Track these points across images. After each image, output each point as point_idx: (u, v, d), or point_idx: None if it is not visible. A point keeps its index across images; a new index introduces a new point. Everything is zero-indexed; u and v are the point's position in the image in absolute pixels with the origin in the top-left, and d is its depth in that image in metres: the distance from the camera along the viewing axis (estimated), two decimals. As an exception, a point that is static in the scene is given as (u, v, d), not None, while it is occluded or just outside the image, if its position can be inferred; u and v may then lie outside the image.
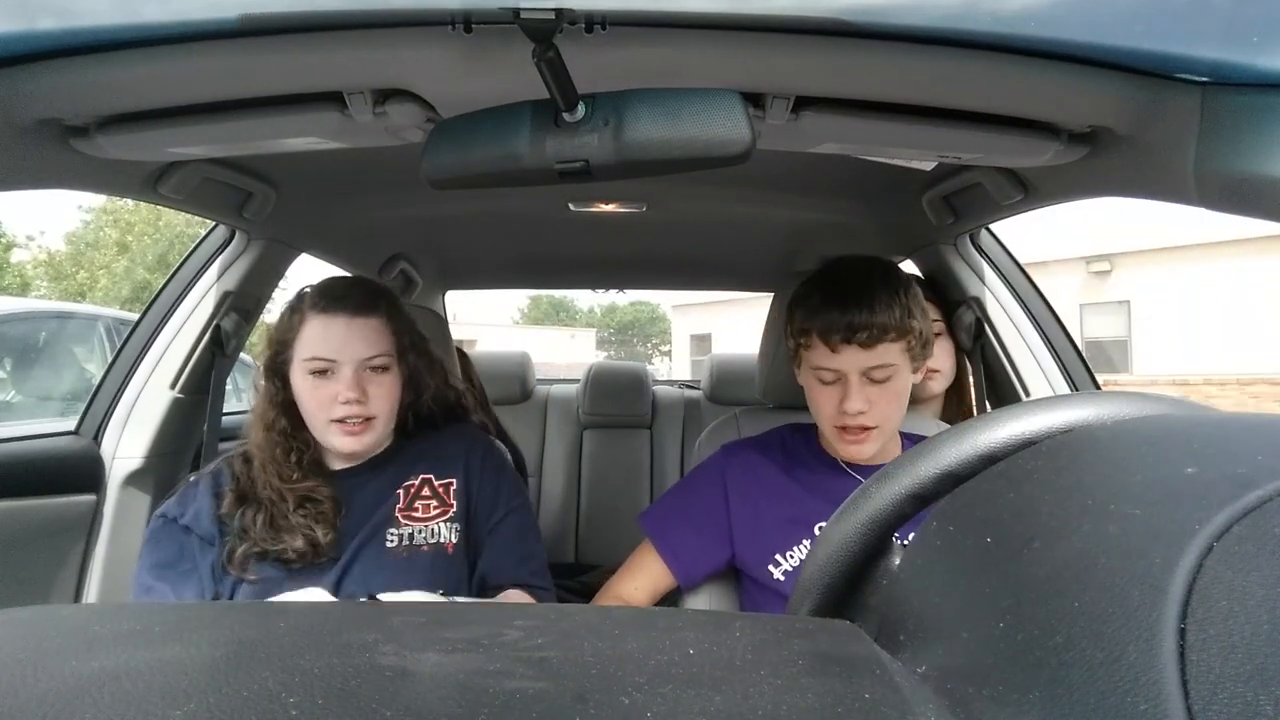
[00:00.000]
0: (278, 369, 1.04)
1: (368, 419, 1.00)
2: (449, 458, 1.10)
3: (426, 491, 1.07)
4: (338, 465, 1.07)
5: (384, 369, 1.03)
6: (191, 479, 1.08)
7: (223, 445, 1.50)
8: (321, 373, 1.00)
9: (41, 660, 0.27)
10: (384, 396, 1.02)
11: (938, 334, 1.37)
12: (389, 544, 1.02)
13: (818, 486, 1.07)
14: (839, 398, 1.00)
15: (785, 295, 1.12)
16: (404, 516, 1.04)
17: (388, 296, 1.07)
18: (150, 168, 1.01)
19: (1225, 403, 10.17)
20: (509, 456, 1.21)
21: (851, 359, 0.98)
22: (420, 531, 1.04)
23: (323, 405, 1.00)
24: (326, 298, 1.02)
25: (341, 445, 1.01)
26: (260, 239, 1.42)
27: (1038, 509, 0.28)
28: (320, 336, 1.00)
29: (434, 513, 1.06)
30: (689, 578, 1.10)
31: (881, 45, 0.65)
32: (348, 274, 1.13)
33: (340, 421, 0.99)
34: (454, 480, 1.09)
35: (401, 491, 1.06)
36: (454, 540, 1.05)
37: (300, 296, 1.05)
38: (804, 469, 1.09)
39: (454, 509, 1.07)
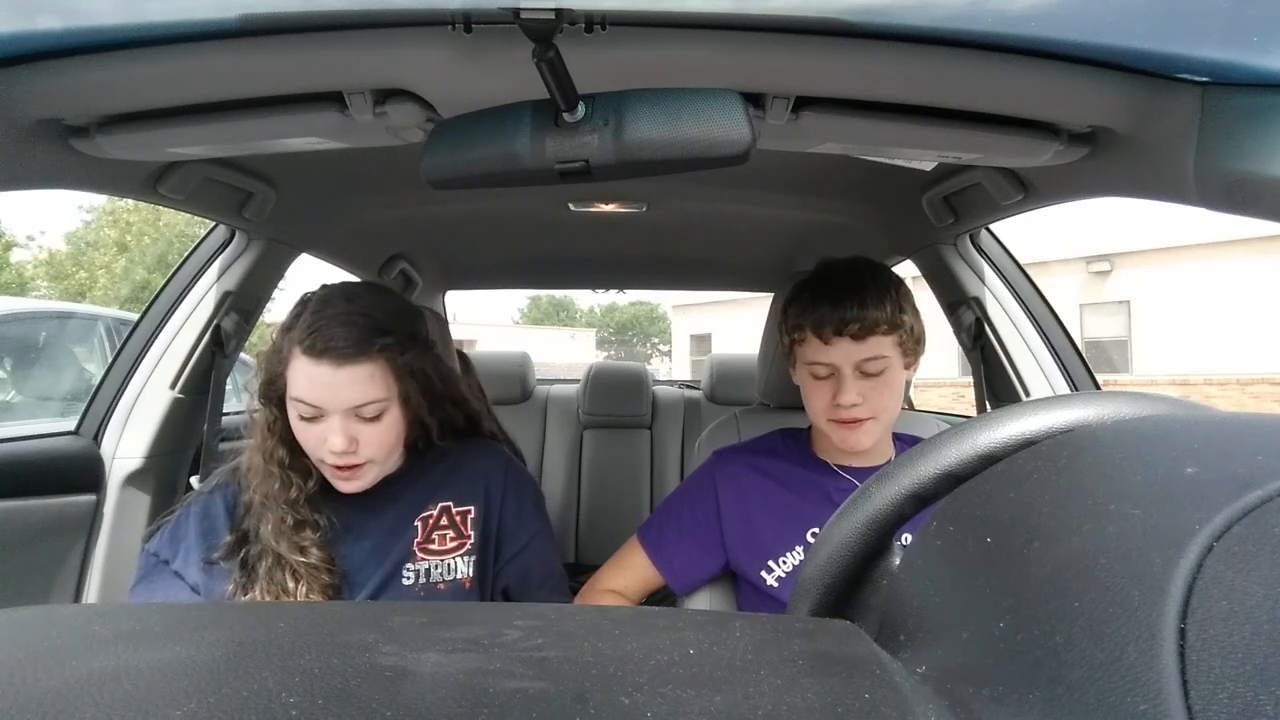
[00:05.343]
0: (273, 396, 0.95)
1: (359, 464, 0.93)
2: (469, 484, 1.04)
3: (445, 521, 1.01)
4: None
5: (376, 417, 0.92)
6: (185, 503, 1.02)
7: (223, 445, 1.50)
8: (309, 417, 0.91)
9: (41, 660, 0.27)
10: (377, 441, 0.93)
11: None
12: (405, 581, 0.97)
13: (810, 491, 1.07)
14: (833, 392, 1.01)
15: (785, 296, 1.13)
16: (421, 550, 0.99)
17: (390, 334, 0.92)
18: (150, 168, 1.01)
19: (1225, 403, 10.17)
20: (529, 475, 1.15)
21: (844, 352, 1.00)
22: (437, 567, 0.99)
23: (311, 447, 0.93)
24: (314, 335, 0.88)
25: (337, 486, 0.95)
26: (260, 239, 1.42)
27: (1038, 509, 0.28)
28: (305, 380, 0.89)
29: (450, 545, 1.00)
30: (683, 585, 1.11)
31: (881, 45, 0.65)
32: (355, 279, 1.00)
33: (333, 465, 0.93)
34: (472, 509, 1.02)
35: (420, 524, 1.00)
36: (470, 574, 1.00)
37: (296, 315, 0.92)
38: (796, 473, 1.09)
39: (470, 540, 1.01)
